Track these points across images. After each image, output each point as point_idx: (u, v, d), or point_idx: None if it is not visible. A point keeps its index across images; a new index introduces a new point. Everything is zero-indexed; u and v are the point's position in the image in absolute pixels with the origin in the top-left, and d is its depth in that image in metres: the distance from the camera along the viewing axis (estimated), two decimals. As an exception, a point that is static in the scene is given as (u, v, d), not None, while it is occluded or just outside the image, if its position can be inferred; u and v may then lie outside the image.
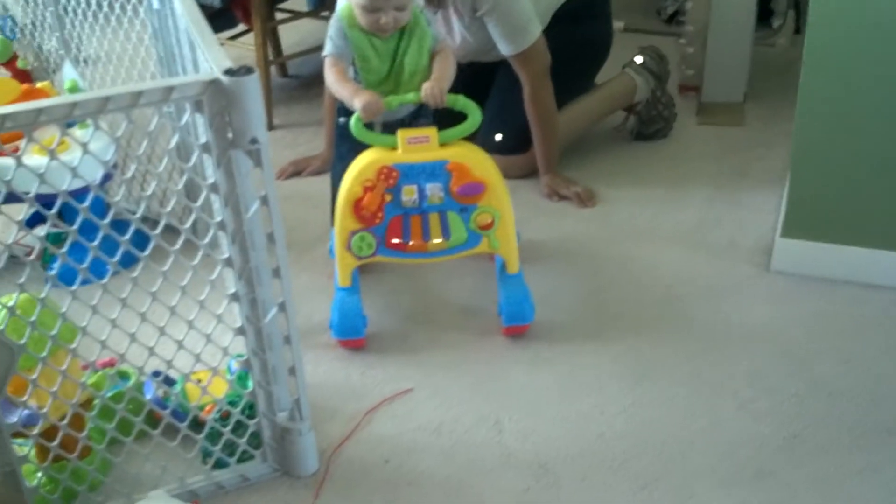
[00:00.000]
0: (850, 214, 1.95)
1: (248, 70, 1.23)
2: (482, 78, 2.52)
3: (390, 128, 1.81)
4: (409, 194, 1.76)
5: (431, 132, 1.76)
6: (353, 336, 1.85)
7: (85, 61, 2.42)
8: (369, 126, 1.79)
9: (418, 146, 1.75)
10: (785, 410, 1.67)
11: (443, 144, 1.77)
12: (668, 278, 2.07)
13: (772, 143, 2.62)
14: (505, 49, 2.29)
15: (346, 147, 1.88)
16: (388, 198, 1.77)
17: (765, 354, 1.81)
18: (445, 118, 1.96)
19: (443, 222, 1.79)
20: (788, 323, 1.90)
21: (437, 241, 1.80)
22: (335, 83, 1.82)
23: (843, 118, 1.87)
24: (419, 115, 1.88)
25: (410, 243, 1.80)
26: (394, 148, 1.76)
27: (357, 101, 1.75)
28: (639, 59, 2.67)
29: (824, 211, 1.97)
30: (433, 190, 1.76)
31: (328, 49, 1.84)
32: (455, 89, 1.83)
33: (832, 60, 1.83)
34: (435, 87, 1.76)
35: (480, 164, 1.78)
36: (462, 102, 1.78)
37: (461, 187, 1.76)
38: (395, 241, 1.80)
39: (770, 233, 2.17)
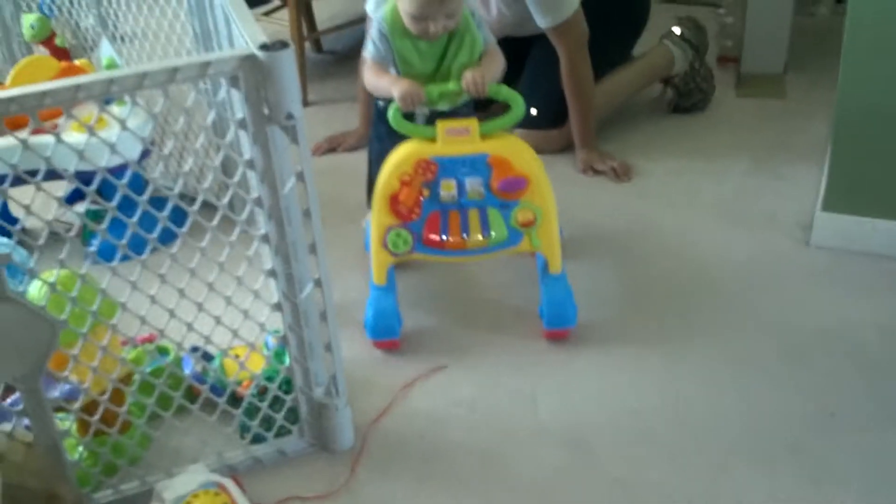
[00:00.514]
0: (893, 188, 1.91)
1: (283, 45, 1.23)
2: (517, 53, 2.49)
3: (431, 121, 1.73)
4: (447, 189, 1.69)
5: (472, 123, 1.68)
6: (387, 337, 1.79)
7: (122, 38, 2.44)
8: (408, 116, 1.72)
9: (458, 138, 1.68)
10: (821, 387, 1.64)
11: (484, 136, 1.69)
12: (705, 252, 2.04)
13: (813, 115, 2.58)
14: (542, 21, 2.26)
15: (384, 128, 1.81)
16: (425, 192, 1.70)
17: (801, 330, 1.78)
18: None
19: (482, 219, 1.72)
20: (826, 298, 1.87)
21: (477, 238, 1.73)
22: (373, 78, 1.76)
23: (886, 90, 1.83)
24: (462, 111, 1.79)
25: (448, 240, 1.73)
26: (432, 139, 1.69)
27: (395, 90, 1.68)
28: (677, 30, 2.63)
29: (866, 184, 1.93)
30: (473, 185, 1.69)
31: (369, 52, 1.77)
32: None
33: (875, 30, 1.79)
34: (477, 76, 1.67)
35: (523, 157, 1.70)
36: (505, 92, 1.70)
37: (502, 182, 1.69)
38: (433, 237, 1.73)
39: (810, 207, 2.14)
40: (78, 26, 2.51)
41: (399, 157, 1.70)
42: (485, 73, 1.69)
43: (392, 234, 1.73)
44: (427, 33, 1.69)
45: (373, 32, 1.76)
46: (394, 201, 1.71)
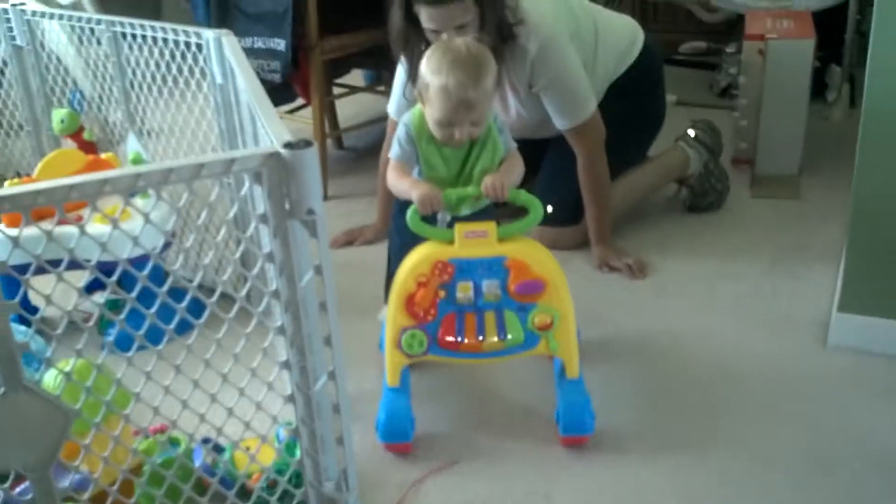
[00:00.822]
0: (910, 289, 1.91)
1: (307, 143, 1.26)
2: (534, 151, 2.54)
3: (451, 226, 1.75)
4: (464, 291, 1.70)
5: (490, 227, 1.70)
6: (399, 440, 1.77)
7: (148, 133, 2.50)
8: (427, 219, 1.73)
9: (476, 241, 1.69)
10: (843, 489, 1.61)
11: (502, 239, 1.71)
12: (723, 352, 2.03)
13: (828, 216, 2.59)
14: (560, 123, 2.31)
15: (404, 221, 1.83)
16: (441, 294, 1.71)
17: (821, 431, 1.76)
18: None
19: (499, 321, 1.71)
20: (845, 399, 1.85)
21: (493, 340, 1.72)
22: (395, 179, 1.78)
23: (901, 192, 1.85)
24: (482, 215, 1.81)
25: (464, 342, 1.72)
26: (450, 242, 1.71)
27: (415, 193, 1.70)
28: (691, 133, 2.68)
29: (882, 285, 1.93)
30: (490, 287, 1.69)
31: (394, 152, 1.80)
32: None
33: (889, 133, 1.82)
34: (497, 181, 1.69)
35: (541, 261, 1.71)
36: (523, 197, 1.72)
37: (519, 285, 1.69)
38: (448, 339, 1.72)
39: (827, 307, 2.13)
40: (106, 121, 2.58)
41: (416, 258, 1.72)
42: (504, 178, 1.71)
43: (407, 336, 1.73)
44: (452, 139, 1.72)
45: (399, 134, 1.78)
46: (410, 302, 1.71)
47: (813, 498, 1.60)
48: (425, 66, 1.72)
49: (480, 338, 1.71)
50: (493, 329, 1.71)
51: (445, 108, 1.68)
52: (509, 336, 1.71)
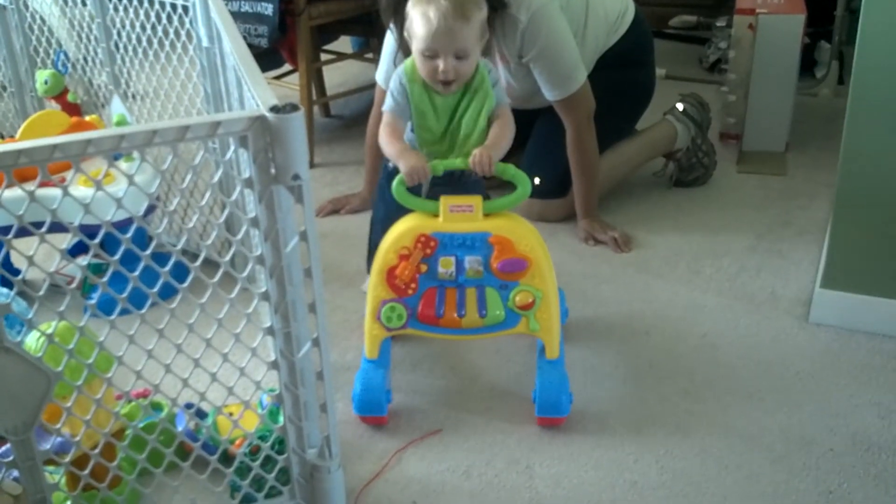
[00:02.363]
0: (893, 267, 1.92)
1: (293, 107, 1.25)
2: (522, 122, 2.53)
3: (439, 187, 1.72)
4: (445, 266, 1.68)
5: (476, 201, 1.67)
6: (373, 413, 1.75)
7: (133, 97, 2.48)
8: (413, 190, 1.70)
9: (461, 215, 1.67)
10: (821, 465, 1.63)
11: (487, 215, 1.68)
12: (704, 326, 2.04)
13: (814, 194, 2.60)
14: (550, 94, 2.30)
15: (391, 191, 1.80)
16: (423, 268, 1.69)
17: (801, 408, 1.77)
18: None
19: (480, 298, 1.69)
20: (826, 376, 1.86)
21: (473, 317, 1.70)
22: (386, 139, 1.75)
23: (886, 170, 1.86)
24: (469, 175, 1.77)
25: (444, 317, 1.70)
26: (435, 215, 1.68)
27: (402, 164, 1.67)
28: (680, 107, 2.67)
29: (865, 263, 1.94)
30: (472, 263, 1.67)
31: (387, 104, 1.77)
32: None
33: (877, 111, 1.82)
34: (484, 155, 1.65)
35: (525, 238, 1.68)
36: (511, 172, 1.68)
37: (502, 262, 1.66)
38: (428, 313, 1.70)
39: (810, 284, 2.14)
40: (91, 83, 2.55)
41: (399, 230, 1.69)
42: (491, 151, 1.67)
43: (386, 308, 1.71)
44: (437, 74, 1.68)
45: (392, 85, 1.76)
46: (391, 275, 1.70)
47: (791, 475, 1.61)
48: (411, 2, 1.71)
49: (460, 314, 1.69)
50: (473, 306, 1.69)
51: (427, 36, 1.66)
52: (490, 314, 1.69)
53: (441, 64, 1.67)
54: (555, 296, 1.71)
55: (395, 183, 1.68)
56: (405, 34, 1.76)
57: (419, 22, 1.67)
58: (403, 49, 2.28)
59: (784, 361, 1.91)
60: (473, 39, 1.69)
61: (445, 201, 1.67)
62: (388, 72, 2.40)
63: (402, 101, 1.75)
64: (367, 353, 1.76)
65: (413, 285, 1.70)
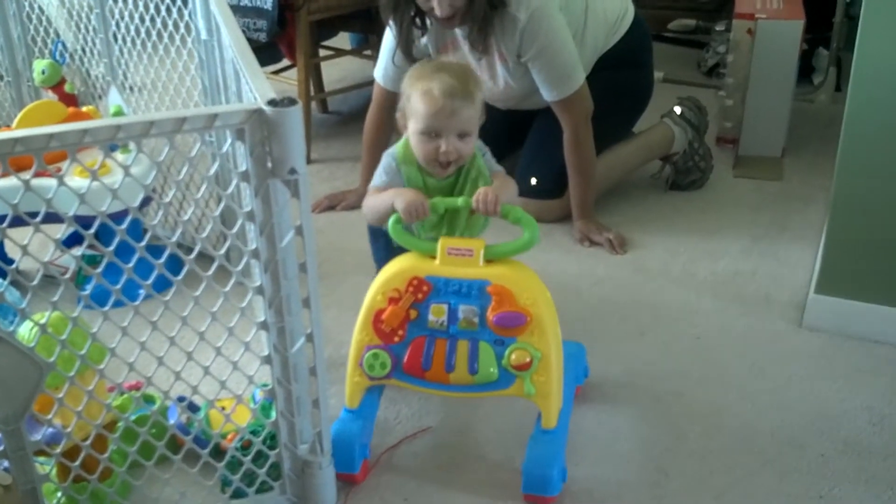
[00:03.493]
0: (887, 274, 1.92)
1: (291, 101, 1.24)
2: (519, 123, 2.53)
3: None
4: (437, 314, 1.53)
5: (477, 245, 1.53)
6: (344, 470, 1.59)
7: (131, 88, 2.47)
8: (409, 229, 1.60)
9: (459, 259, 1.53)
10: (811, 469, 1.63)
11: (489, 261, 1.54)
12: (698, 329, 2.04)
13: (810, 199, 2.60)
14: (548, 95, 2.30)
15: (384, 241, 1.71)
16: (413, 314, 1.54)
17: (793, 412, 1.78)
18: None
19: (472, 353, 1.53)
20: (819, 381, 1.86)
21: (462, 373, 1.54)
22: (372, 201, 1.64)
23: (882, 177, 1.86)
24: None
25: (430, 371, 1.55)
26: (432, 256, 1.55)
27: (399, 200, 1.55)
28: (677, 110, 2.67)
29: (860, 269, 1.95)
30: (466, 313, 1.52)
31: (377, 181, 1.66)
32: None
33: (874, 118, 1.82)
34: (490, 193, 1.53)
35: (528, 290, 1.52)
36: (516, 215, 1.54)
37: (499, 316, 1.51)
38: (414, 365, 1.56)
39: (805, 288, 2.15)
40: (88, 74, 2.55)
41: (391, 272, 1.57)
42: (498, 192, 1.55)
43: (370, 356, 1.57)
44: (437, 156, 1.58)
45: (383, 163, 1.66)
46: (377, 319, 1.56)
47: (782, 478, 1.62)
48: (408, 78, 1.63)
49: (449, 369, 1.54)
50: (464, 361, 1.54)
51: (429, 115, 1.56)
52: (480, 371, 1.53)
53: (443, 145, 1.57)
54: (556, 358, 1.54)
55: (391, 221, 1.57)
56: (398, 114, 1.66)
57: (420, 101, 1.57)
58: (402, 47, 2.29)
59: (777, 365, 1.91)
60: (475, 118, 1.60)
61: (444, 242, 1.55)
62: (386, 69, 2.40)
63: (397, 181, 1.64)
64: (347, 401, 1.62)
65: (401, 332, 1.56)
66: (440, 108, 1.55)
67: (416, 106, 1.59)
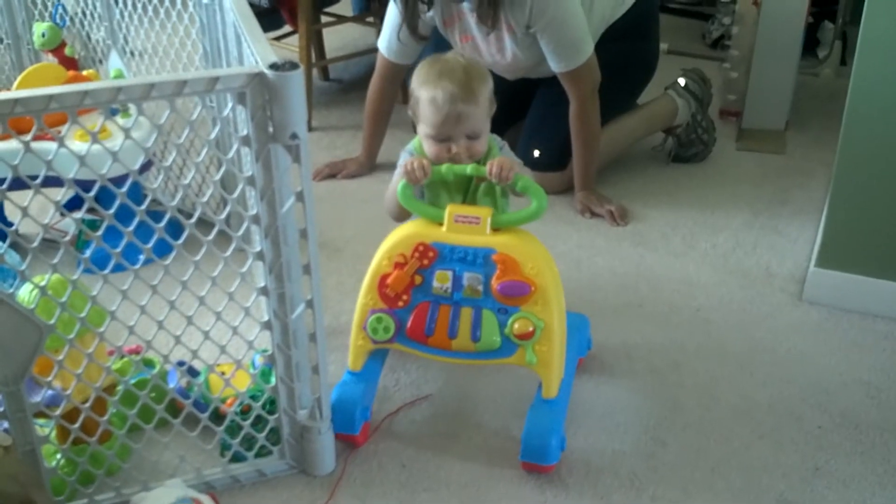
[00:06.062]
0: (887, 248, 1.92)
1: (292, 65, 1.24)
2: (522, 92, 2.52)
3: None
4: (441, 280, 1.53)
5: (484, 213, 1.53)
6: (344, 431, 1.59)
7: (131, 53, 2.45)
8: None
9: (466, 226, 1.53)
10: (808, 441, 1.64)
11: (496, 229, 1.54)
12: (697, 301, 2.05)
13: (812, 173, 2.60)
14: (556, 66, 2.28)
15: None
16: (417, 280, 1.54)
17: (791, 384, 1.78)
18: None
19: (475, 320, 1.53)
20: (817, 354, 1.87)
21: (464, 340, 1.54)
22: (388, 194, 1.65)
23: (885, 152, 1.85)
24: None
25: (432, 336, 1.55)
26: (440, 223, 1.55)
27: (402, 165, 1.57)
28: (682, 82, 2.66)
29: (861, 243, 1.94)
30: (470, 280, 1.52)
31: (394, 179, 1.63)
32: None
33: (879, 93, 1.81)
34: (504, 163, 1.51)
35: (534, 260, 1.51)
36: (525, 184, 1.52)
37: (503, 284, 1.50)
38: (417, 330, 1.56)
39: (805, 262, 2.15)
40: (89, 38, 2.53)
41: (398, 237, 1.57)
42: (513, 164, 1.54)
43: (373, 319, 1.57)
44: (448, 157, 1.58)
45: (400, 161, 1.65)
46: (382, 283, 1.56)
47: (779, 449, 1.62)
48: (415, 79, 1.62)
49: (451, 336, 1.54)
50: (467, 328, 1.54)
51: (435, 122, 1.56)
52: (483, 339, 1.54)
53: (453, 148, 1.57)
54: (559, 328, 1.54)
55: (399, 185, 1.57)
56: (409, 112, 1.65)
57: (427, 108, 1.57)
58: (408, 22, 2.27)
59: (776, 338, 1.92)
60: (483, 117, 1.59)
61: (452, 209, 1.54)
62: (390, 42, 2.38)
63: None
64: (350, 364, 1.63)
65: (405, 297, 1.56)
66: (446, 116, 1.55)
67: (423, 112, 1.59)
